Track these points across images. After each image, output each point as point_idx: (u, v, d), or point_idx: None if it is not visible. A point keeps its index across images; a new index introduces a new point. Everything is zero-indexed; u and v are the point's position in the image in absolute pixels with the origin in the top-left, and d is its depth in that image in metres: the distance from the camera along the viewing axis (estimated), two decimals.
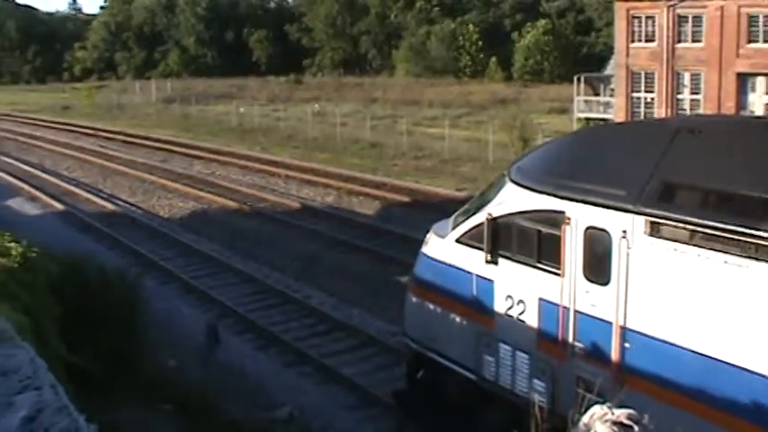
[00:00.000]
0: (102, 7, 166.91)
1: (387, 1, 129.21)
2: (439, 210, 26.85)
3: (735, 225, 9.03)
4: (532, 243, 11.23)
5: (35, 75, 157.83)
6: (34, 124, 77.26)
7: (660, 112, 49.95)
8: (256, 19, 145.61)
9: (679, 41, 49.69)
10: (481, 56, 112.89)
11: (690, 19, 49.10)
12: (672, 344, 9.54)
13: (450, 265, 12.72)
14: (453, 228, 12.87)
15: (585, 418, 5.21)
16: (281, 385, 17.36)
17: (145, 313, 16.88)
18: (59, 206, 36.24)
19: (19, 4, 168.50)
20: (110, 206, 36.15)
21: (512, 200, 11.64)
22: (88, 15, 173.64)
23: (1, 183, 43.88)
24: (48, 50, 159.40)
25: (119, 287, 16.17)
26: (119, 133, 65.07)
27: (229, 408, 15.62)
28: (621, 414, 5.12)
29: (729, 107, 46.85)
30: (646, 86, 51.74)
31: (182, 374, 16.92)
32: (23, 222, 31.04)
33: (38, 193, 39.39)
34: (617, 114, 52.79)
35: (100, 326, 14.25)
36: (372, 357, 18.53)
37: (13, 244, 11.02)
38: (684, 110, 49.61)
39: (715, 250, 9.21)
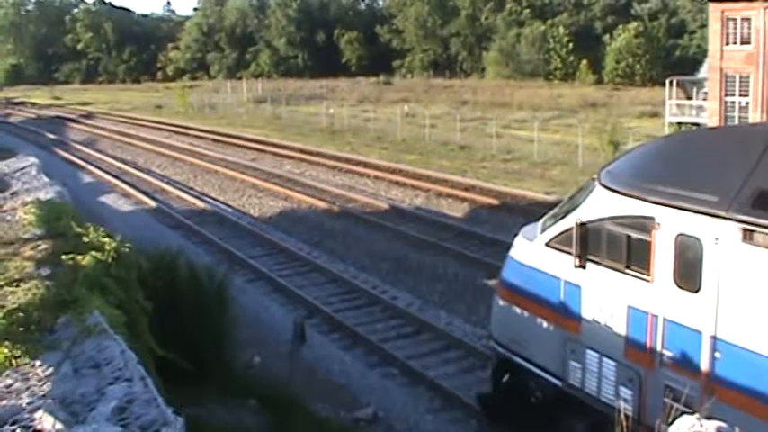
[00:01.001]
0: (195, 9, 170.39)
1: (477, 3, 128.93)
2: (527, 213, 26.79)
3: None
4: (621, 248, 11.05)
5: (130, 74, 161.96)
6: (128, 123, 79.03)
7: (755, 116, 48.83)
8: (347, 20, 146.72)
9: None
10: (571, 59, 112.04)
11: None
12: (764, 355, 9.31)
13: (538, 270, 12.60)
14: (542, 231, 12.75)
15: (673, 429, 5.14)
16: (366, 385, 17.43)
17: (232, 310, 17.09)
18: (151, 203, 36.99)
19: (115, 7, 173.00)
20: (200, 204, 36.74)
21: (601, 204, 11.49)
22: (181, 17, 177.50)
23: (96, 180, 44.93)
24: (142, 51, 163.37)
25: (207, 283, 16.40)
26: (210, 132, 66.17)
27: (313, 405, 15.75)
28: (710, 426, 5.03)
29: None
30: (740, 90, 50.65)
31: (267, 371, 17.09)
32: (116, 218, 31.74)
33: (131, 190, 40.26)
34: (710, 119, 51.83)
35: (188, 321, 14.47)
36: (458, 360, 18.47)
37: (107, 239, 11.22)
38: None
39: None
